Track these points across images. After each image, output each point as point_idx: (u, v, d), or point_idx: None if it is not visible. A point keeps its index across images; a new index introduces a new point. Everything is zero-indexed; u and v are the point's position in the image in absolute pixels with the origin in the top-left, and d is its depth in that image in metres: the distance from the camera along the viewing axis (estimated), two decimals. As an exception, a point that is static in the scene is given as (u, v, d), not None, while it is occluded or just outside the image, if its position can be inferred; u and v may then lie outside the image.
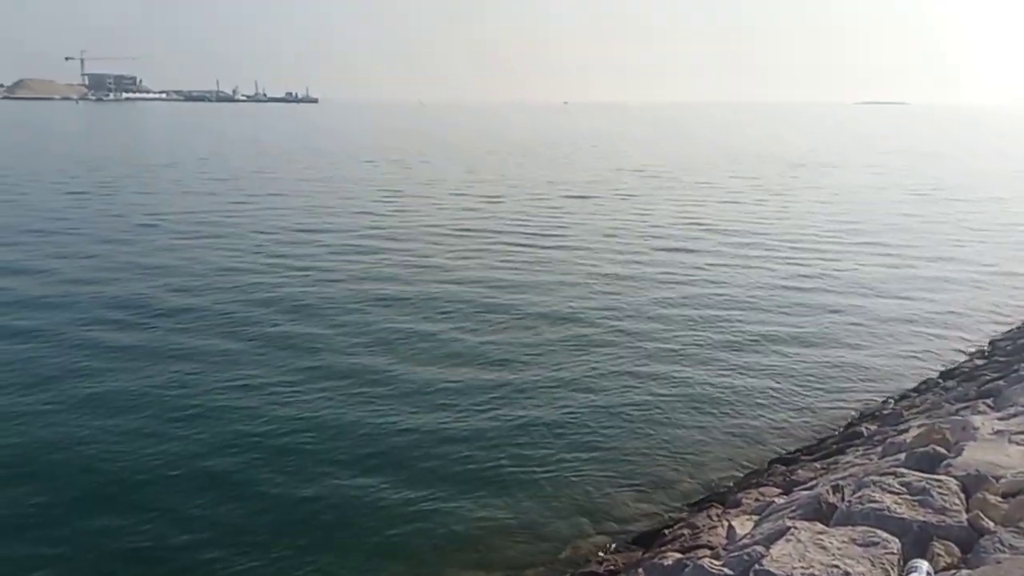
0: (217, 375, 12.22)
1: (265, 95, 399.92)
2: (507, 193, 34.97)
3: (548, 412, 11.09)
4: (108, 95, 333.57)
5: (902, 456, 6.70)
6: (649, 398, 11.67)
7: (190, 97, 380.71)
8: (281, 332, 14.42)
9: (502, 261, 20.53)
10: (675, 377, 12.48)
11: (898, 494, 5.40)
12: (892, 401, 11.74)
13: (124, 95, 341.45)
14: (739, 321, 15.47)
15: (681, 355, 13.50)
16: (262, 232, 24.33)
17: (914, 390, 12.17)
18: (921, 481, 5.51)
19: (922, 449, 6.52)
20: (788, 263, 20.71)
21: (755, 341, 14.30)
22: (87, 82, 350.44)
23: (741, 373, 12.69)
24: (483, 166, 49.94)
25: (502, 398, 11.53)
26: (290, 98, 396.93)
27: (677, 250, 22.29)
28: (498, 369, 12.66)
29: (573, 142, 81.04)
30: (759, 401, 11.66)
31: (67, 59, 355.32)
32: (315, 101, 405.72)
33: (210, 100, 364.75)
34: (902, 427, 9.42)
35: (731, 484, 9.33)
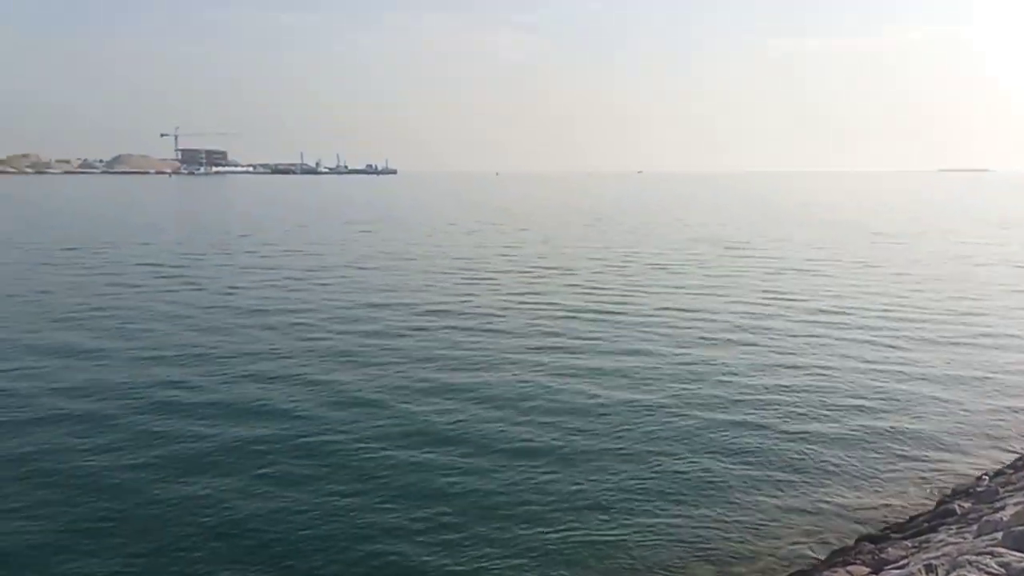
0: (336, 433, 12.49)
1: (347, 167, 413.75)
2: (580, 266, 35.10)
3: (616, 478, 10.95)
4: (199, 169, 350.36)
5: (999, 535, 6.38)
6: (726, 466, 11.40)
7: (276, 170, 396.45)
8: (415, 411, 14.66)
9: (583, 332, 20.51)
10: (754, 445, 12.17)
11: (996, 575, 5.14)
12: (987, 477, 11.19)
13: (214, 169, 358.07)
14: (820, 390, 15.05)
15: (760, 423, 13.18)
16: (375, 305, 24.98)
17: (1010, 466, 11.59)
18: (1021, 562, 5.24)
19: (1020, 528, 6.20)
20: (872, 333, 20.13)
21: (838, 410, 13.87)
22: (180, 157, 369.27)
23: (824, 443, 12.29)
24: (558, 236, 50.38)
25: (573, 465, 11.43)
26: (370, 170, 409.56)
27: (754, 317, 21.93)
28: (571, 436, 12.58)
29: (647, 210, 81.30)
30: (844, 473, 11.25)
31: (162, 135, 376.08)
32: (394, 172, 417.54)
33: (295, 172, 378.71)
34: (998, 505, 8.96)
35: (816, 561, 8.98)
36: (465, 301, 24.64)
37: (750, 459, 11.68)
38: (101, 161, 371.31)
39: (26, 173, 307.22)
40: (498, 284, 28.32)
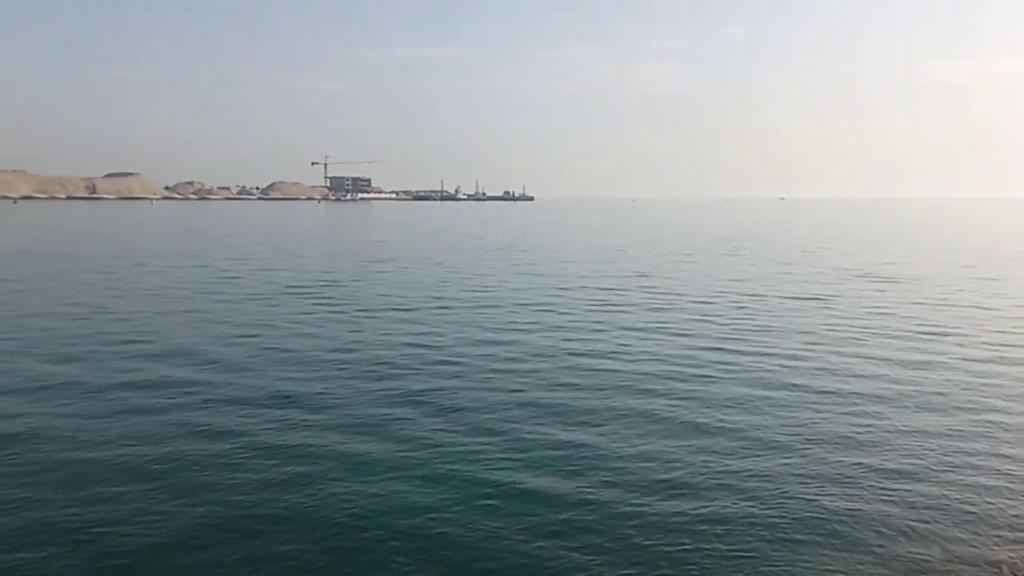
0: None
1: (484, 194, 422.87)
2: (714, 294, 33.38)
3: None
4: (346, 195, 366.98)
5: None
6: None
7: (417, 197, 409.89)
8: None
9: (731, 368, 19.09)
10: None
11: None
12: None
13: (359, 195, 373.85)
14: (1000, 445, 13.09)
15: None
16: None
17: None
18: None
19: None
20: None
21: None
22: (329, 184, 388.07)
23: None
24: (690, 262, 48.59)
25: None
26: (508, 196, 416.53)
27: (906, 362, 19.80)
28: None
29: (791, 237, 77.70)
30: None
31: (312, 164, 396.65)
32: (531, 199, 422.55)
33: (435, 199, 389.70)
34: None
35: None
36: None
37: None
38: (257, 188, 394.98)
39: (191, 199, 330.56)
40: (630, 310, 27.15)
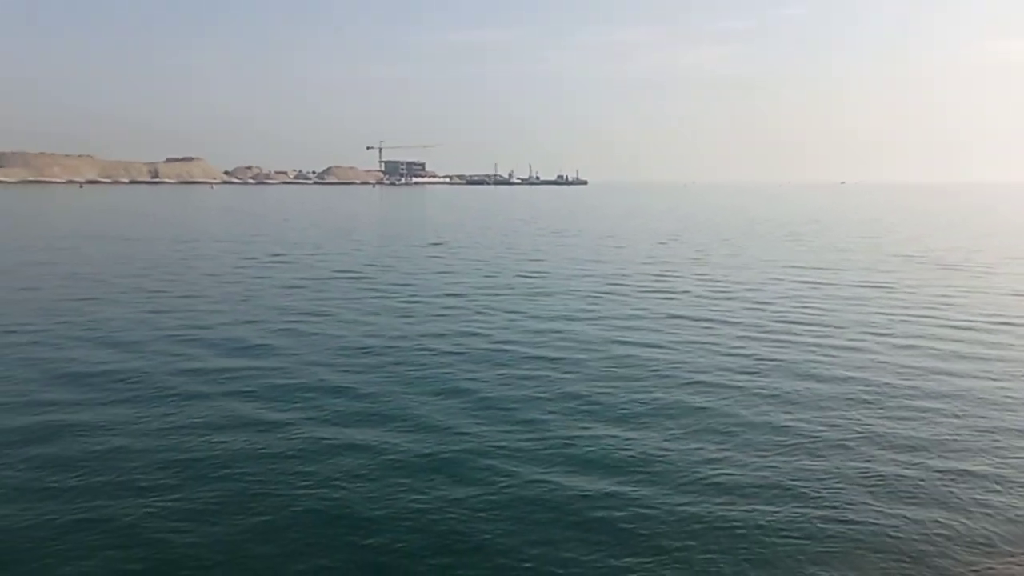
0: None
1: (538, 178, 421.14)
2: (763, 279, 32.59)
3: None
4: (400, 179, 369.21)
5: None
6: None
7: (471, 181, 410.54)
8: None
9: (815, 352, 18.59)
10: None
11: None
12: None
13: (413, 179, 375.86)
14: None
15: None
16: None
17: None
18: None
19: None
20: None
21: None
22: (383, 168, 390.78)
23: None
24: (723, 246, 47.63)
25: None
26: (561, 180, 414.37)
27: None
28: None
29: (850, 223, 75.69)
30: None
31: (367, 148, 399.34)
32: (585, 183, 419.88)
33: (488, 183, 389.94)
34: None
35: None
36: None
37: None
38: (313, 172, 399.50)
39: (249, 184, 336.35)
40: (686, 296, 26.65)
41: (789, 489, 10.82)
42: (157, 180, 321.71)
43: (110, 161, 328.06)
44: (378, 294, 28.50)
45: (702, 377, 16.57)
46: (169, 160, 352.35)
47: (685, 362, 17.96)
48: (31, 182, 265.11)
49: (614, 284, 31.28)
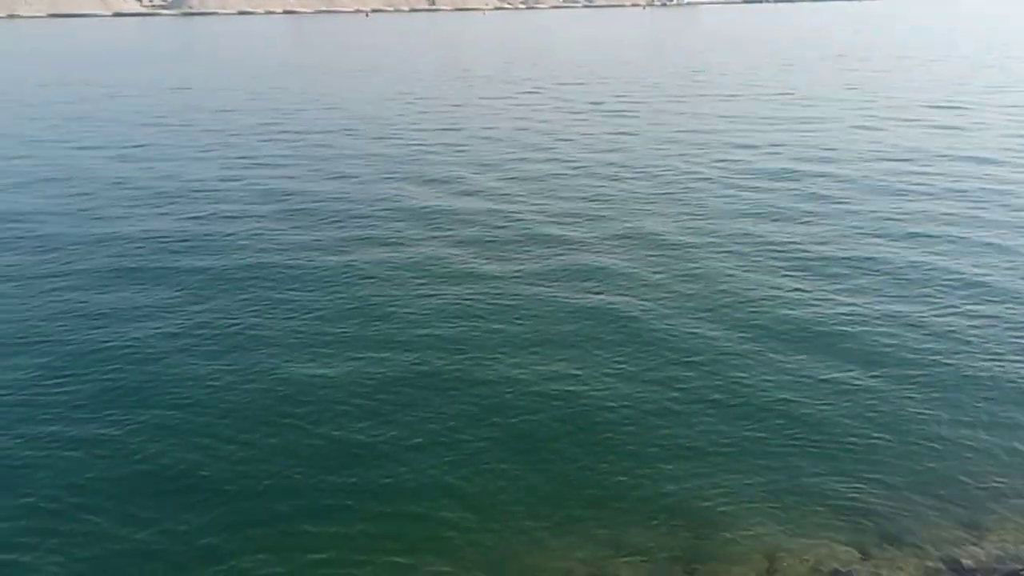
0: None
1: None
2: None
3: None
4: (671, 1, 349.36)
5: None
6: None
7: None
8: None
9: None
10: None
11: None
12: None
13: (686, 0, 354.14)
14: None
15: None
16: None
17: None
18: None
19: None
20: None
21: None
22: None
23: None
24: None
25: None
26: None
27: None
28: None
29: None
30: None
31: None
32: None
33: (769, 1, 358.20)
34: None
35: None
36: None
37: None
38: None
39: (520, 9, 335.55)
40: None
41: None
42: (434, 8, 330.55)
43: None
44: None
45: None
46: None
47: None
48: (323, 12, 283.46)
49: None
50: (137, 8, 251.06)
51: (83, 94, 45.63)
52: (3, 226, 18.92)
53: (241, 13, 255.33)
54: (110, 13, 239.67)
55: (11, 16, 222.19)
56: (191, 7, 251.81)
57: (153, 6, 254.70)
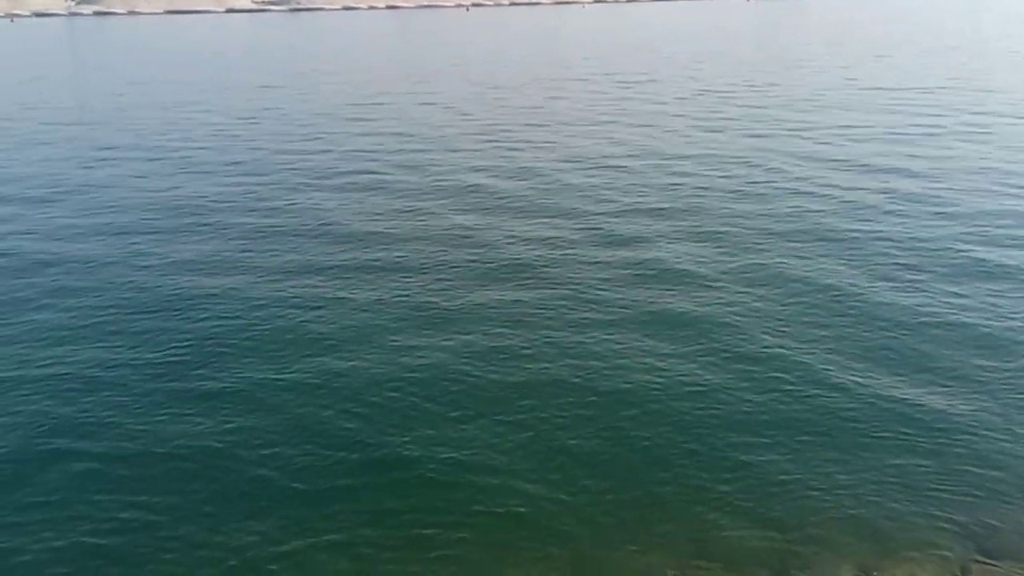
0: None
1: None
2: None
3: None
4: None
5: None
6: None
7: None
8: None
9: None
10: None
11: None
12: None
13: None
14: None
15: None
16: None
17: None
18: None
19: None
20: None
21: None
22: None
23: None
24: None
25: None
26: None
27: None
28: None
29: None
30: None
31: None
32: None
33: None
34: None
35: None
36: None
37: None
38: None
39: (620, 3, 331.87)
40: None
41: None
42: (535, 2, 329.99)
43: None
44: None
45: None
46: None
47: None
48: (425, 7, 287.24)
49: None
50: (248, 4, 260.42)
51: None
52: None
53: (346, 8, 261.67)
54: (223, 9, 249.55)
55: (131, 12, 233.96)
56: (299, 3, 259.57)
57: (264, 2, 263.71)
